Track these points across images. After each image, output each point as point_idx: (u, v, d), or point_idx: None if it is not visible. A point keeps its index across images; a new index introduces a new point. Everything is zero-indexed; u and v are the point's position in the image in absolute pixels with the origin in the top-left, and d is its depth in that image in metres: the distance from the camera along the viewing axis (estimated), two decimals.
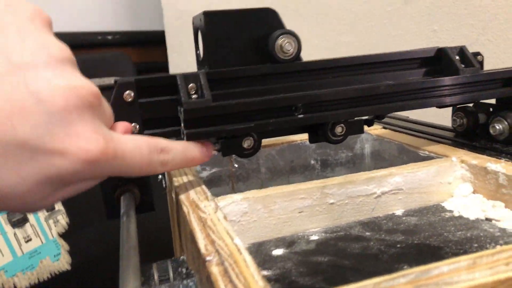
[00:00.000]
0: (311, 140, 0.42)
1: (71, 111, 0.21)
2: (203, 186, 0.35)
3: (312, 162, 0.51)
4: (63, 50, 0.23)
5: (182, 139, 0.35)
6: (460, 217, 0.34)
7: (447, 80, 0.39)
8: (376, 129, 0.53)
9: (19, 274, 0.50)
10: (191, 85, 0.34)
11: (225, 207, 0.31)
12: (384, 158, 0.50)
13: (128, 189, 0.33)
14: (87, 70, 0.33)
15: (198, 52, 0.40)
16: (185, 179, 0.37)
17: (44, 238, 0.55)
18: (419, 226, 0.33)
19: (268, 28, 0.37)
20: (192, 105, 0.33)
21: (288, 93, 0.36)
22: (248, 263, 0.22)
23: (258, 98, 0.35)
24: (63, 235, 0.60)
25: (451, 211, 0.35)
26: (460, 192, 0.37)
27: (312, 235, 0.33)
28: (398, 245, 0.30)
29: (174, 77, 0.34)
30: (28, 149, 0.20)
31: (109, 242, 0.66)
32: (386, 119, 0.57)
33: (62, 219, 0.59)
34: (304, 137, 0.46)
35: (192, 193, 0.33)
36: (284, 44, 0.36)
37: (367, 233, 0.32)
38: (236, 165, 0.47)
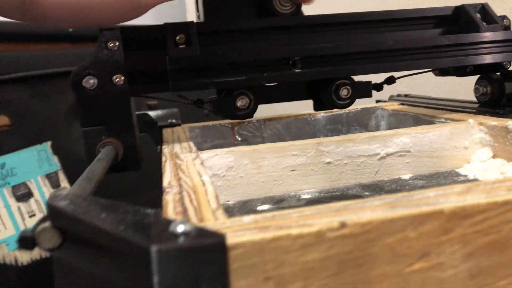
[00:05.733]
0: (316, 107, 0.40)
1: None
2: (191, 143, 0.33)
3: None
4: None
5: (169, 94, 0.34)
6: (476, 180, 0.30)
7: (464, 37, 0.35)
8: (392, 105, 0.49)
9: None
10: (180, 35, 0.32)
11: (208, 160, 0.29)
12: None
13: (109, 142, 0.31)
14: None
15: (198, 13, 0.39)
16: (176, 141, 0.35)
17: None
18: (425, 188, 0.29)
19: None
20: (178, 54, 0.31)
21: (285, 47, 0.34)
22: (209, 192, 0.19)
23: (251, 49, 0.33)
24: None
25: (465, 176, 0.31)
26: (478, 158, 0.33)
27: (304, 194, 0.30)
28: None
29: (163, 27, 0.32)
30: None
31: None
32: (404, 98, 0.54)
33: None
34: (312, 111, 0.43)
35: (176, 146, 0.31)
36: None
37: (366, 193, 0.29)
38: (239, 138, 0.45)
